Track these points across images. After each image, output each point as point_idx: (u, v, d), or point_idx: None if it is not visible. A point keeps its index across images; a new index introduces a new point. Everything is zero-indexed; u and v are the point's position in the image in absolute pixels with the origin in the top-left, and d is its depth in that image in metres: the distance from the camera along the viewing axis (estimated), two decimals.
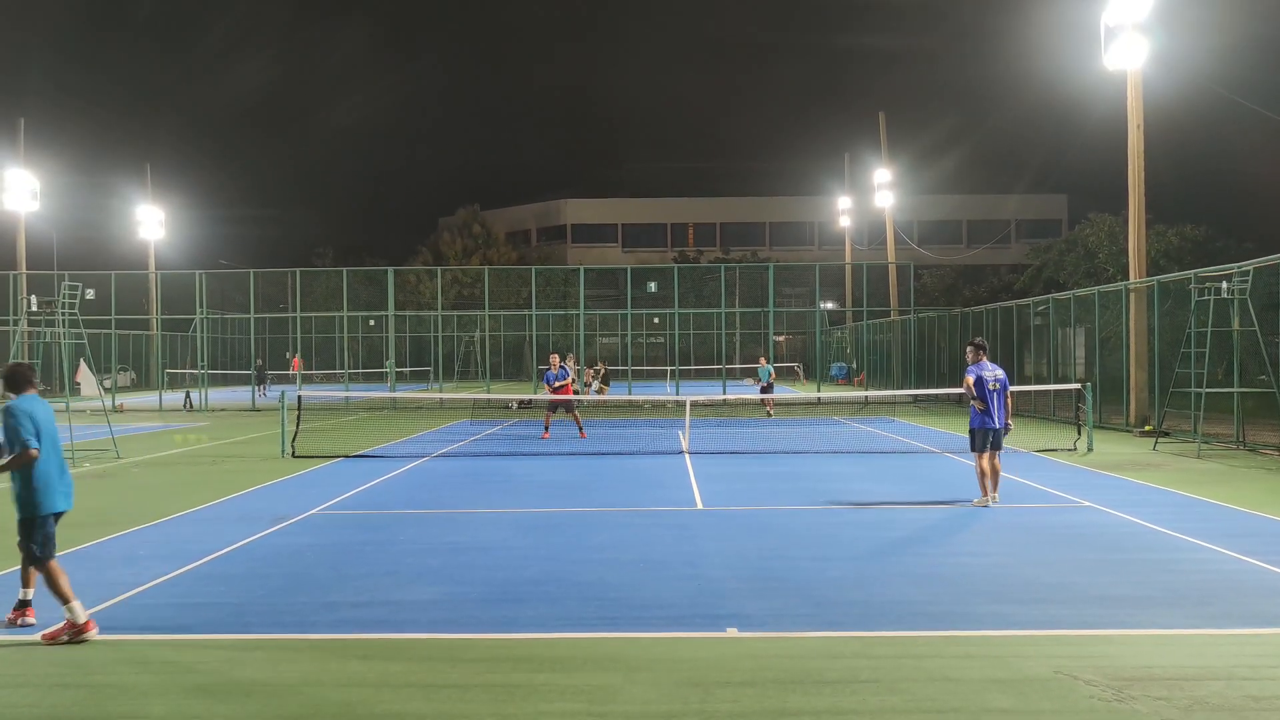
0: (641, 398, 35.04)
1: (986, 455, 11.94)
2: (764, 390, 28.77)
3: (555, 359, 21.96)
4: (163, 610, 7.43)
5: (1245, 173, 62.87)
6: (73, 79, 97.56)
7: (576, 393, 23.61)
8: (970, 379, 12.03)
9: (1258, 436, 18.20)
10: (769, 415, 28.31)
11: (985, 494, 11.92)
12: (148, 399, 38.62)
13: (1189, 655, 6.14)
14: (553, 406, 21.97)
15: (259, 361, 40.87)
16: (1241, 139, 58.03)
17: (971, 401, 12.02)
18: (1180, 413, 20.39)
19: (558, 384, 21.56)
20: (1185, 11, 27.84)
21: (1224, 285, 17.62)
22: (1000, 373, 12.19)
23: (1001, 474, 12.35)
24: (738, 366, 52.61)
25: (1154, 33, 22.44)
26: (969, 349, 12.44)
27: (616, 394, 36.17)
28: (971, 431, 12.13)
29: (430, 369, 49.17)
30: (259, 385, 39.24)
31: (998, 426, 11.93)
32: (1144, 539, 9.88)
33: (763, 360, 29.82)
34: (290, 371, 47.50)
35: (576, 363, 32.75)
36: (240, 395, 40.77)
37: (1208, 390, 17.65)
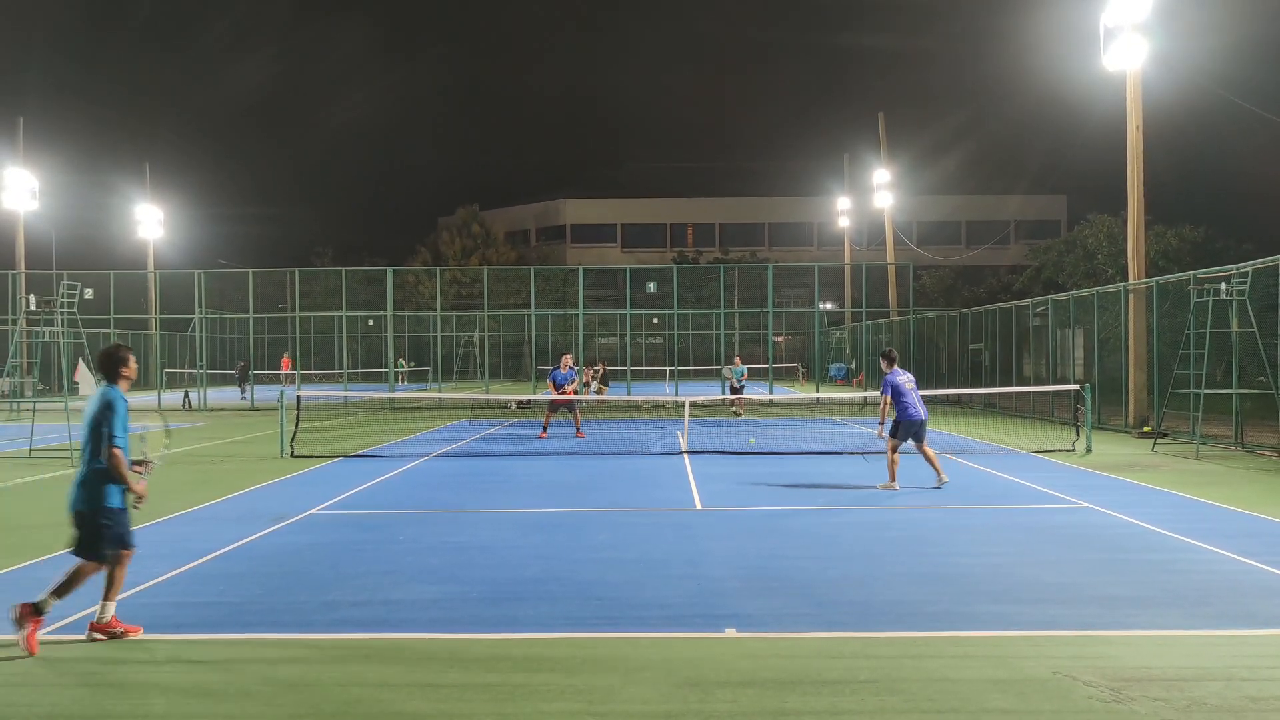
0: (640, 398, 35.05)
1: (905, 445, 13.62)
2: (734, 390, 28.28)
3: (567, 359, 21.98)
4: (162, 609, 7.43)
5: (1245, 174, 63.02)
6: (72, 78, 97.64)
7: (576, 394, 23.59)
8: (887, 395, 13.59)
9: (1256, 438, 18.23)
10: (737, 415, 28.12)
11: (892, 479, 13.40)
12: (146, 398, 38.59)
13: (1187, 656, 6.15)
14: (554, 406, 21.95)
15: (240, 362, 40.50)
16: (1241, 140, 58.13)
17: (886, 401, 13.64)
18: (1179, 414, 20.41)
19: (566, 386, 21.62)
20: (1185, 12, 27.88)
21: (1223, 286, 17.63)
22: (910, 376, 13.90)
23: (939, 455, 14.14)
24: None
25: (1153, 33, 22.48)
26: (882, 360, 13.99)
27: (615, 394, 36.18)
28: (896, 423, 13.54)
29: (429, 369, 49.18)
30: (241, 384, 38.95)
31: (923, 418, 13.47)
32: (1143, 540, 9.89)
33: (737, 360, 29.24)
34: (281, 372, 47.51)
35: (575, 363, 32.79)
36: (240, 395, 40.74)
37: (1206, 391, 17.66)
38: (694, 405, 24.45)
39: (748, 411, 29.63)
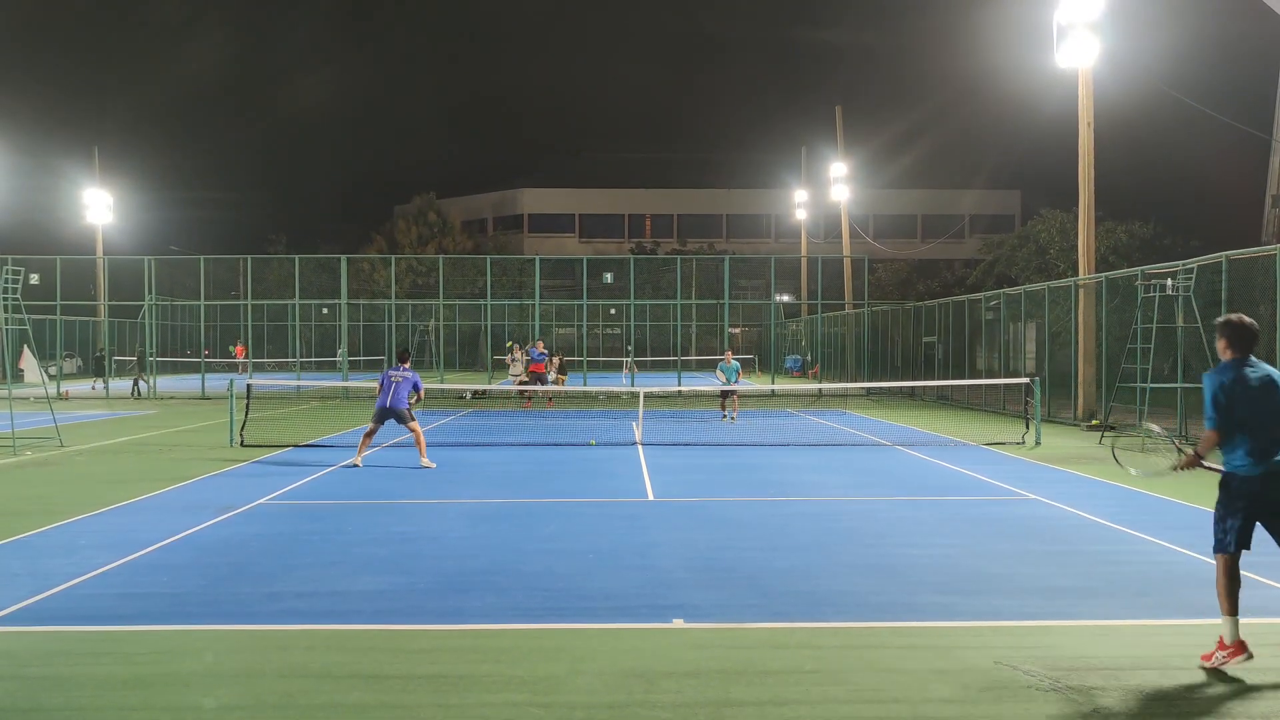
0: (596, 389, 35.01)
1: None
2: (726, 390, 23.61)
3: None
4: (102, 600, 7.31)
5: (1193, 171, 64.06)
6: (16, 56, 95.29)
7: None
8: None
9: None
10: (731, 420, 23.39)
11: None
12: (96, 386, 37.94)
13: (1125, 645, 6.25)
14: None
15: (140, 349, 38.19)
16: (1190, 138, 59.07)
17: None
18: (1126, 407, 20.74)
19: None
20: (1136, 11, 28.26)
21: (1169, 282, 17.91)
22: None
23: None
24: (694, 359, 52.70)
25: (1105, 32, 22.74)
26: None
27: (572, 384, 36.11)
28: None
29: (384, 358, 48.73)
30: (137, 377, 36.36)
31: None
32: (1087, 531, 10.04)
33: (729, 355, 24.35)
34: (236, 359, 46.90)
35: (525, 353, 32.87)
36: (190, 383, 40.18)
37: (1152, 385, 17.94)
38: (649, 396, 24.30)
39: (688, 401, 29.61)
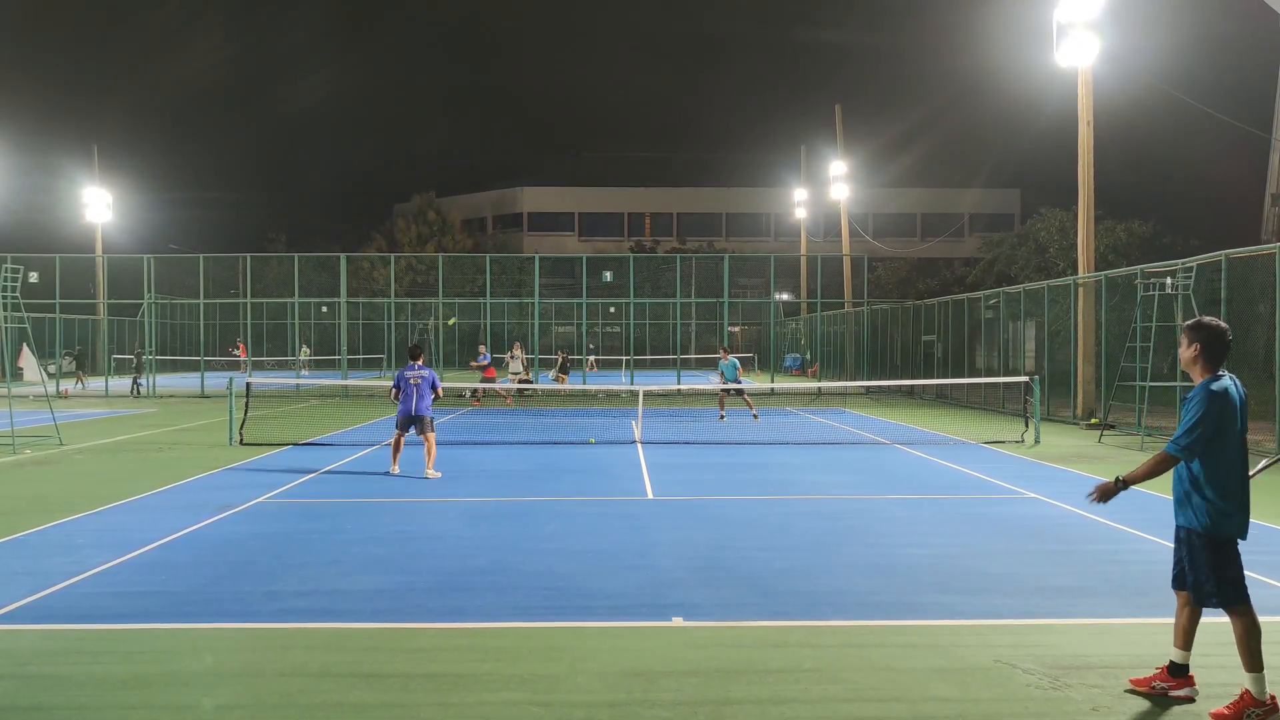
0: (595, 387, 35.00)
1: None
2: (727, 388, 23.38)
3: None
4: (101, 599, 7.31)
5: (1192, 170, 64.00)
6: (14, 54, 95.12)
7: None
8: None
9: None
10: (730, 417, 23.38)
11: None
12: (93, 384, 37.96)
13: (1124, 644, 6.25)
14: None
15: (138, 349, 37.95)
16: (1189, 137, 59.01)
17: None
18: (1125, 406, 20.73)
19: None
20: (1135, 10, 28.25)
21: (1168, 281, 17.91)
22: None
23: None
24: (693, 357, 52.69)
25: (1104, 31, 22.74)
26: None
27: (572, 383, 36.11)
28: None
29: (384, 356, 48.74)
30: (136, 376, 36.21)
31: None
32: (1086, 530, 10.04)
33: (724, 353, 23.91)
34: (239, 358, 46.92)
35: (525, 351, 32.97)
36: (190, 382, 40.17)
37: (1151, 384, 17.94)
38: (648, 395, 24.31)
39: (679, 399, 29.60)
